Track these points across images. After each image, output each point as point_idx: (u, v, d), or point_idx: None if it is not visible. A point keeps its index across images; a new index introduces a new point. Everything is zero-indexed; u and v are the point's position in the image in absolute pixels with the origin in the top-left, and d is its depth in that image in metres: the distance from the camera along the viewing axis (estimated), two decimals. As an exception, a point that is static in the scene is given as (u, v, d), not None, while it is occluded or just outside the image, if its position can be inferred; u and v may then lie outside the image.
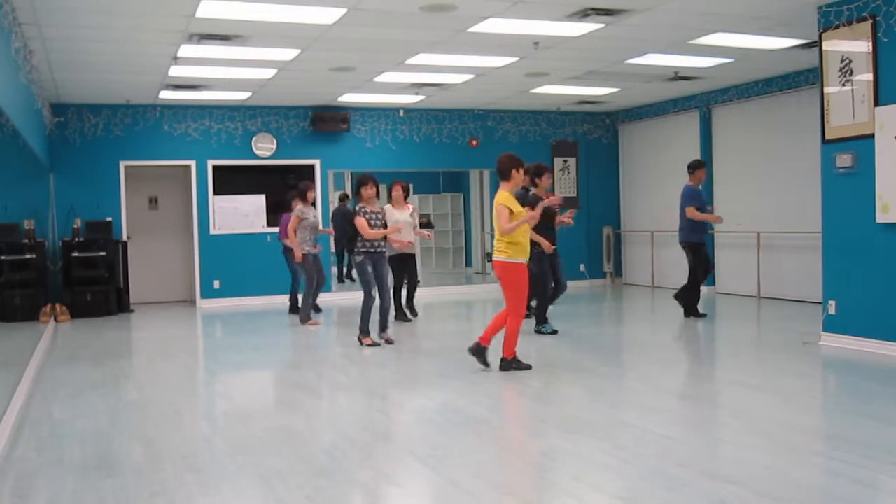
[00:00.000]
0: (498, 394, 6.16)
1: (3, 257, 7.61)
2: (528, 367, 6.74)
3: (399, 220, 9.43)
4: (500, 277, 6.74)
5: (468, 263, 17.62)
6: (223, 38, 8.26)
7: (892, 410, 5.36)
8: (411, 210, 9.91)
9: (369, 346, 8.18)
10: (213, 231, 12.81)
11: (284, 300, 11.67)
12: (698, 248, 9.67)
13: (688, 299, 9.81)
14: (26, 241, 8.46)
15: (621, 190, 14.99)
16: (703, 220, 9.65)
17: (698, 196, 9.64)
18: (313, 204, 10.38)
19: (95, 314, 11.47)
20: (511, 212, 6.59)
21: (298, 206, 10.12)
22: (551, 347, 8.10)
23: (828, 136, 7.59)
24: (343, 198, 14.96)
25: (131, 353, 8.95)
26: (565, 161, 14.54)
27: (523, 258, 6.67)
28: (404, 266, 10.03)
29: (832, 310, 7.63)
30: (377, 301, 8.26)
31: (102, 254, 11.63)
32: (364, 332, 8.30)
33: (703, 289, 12.81)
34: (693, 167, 9.78)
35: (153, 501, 3.89)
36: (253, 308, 12.26)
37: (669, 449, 4.51)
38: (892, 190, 6.94)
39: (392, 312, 9.04)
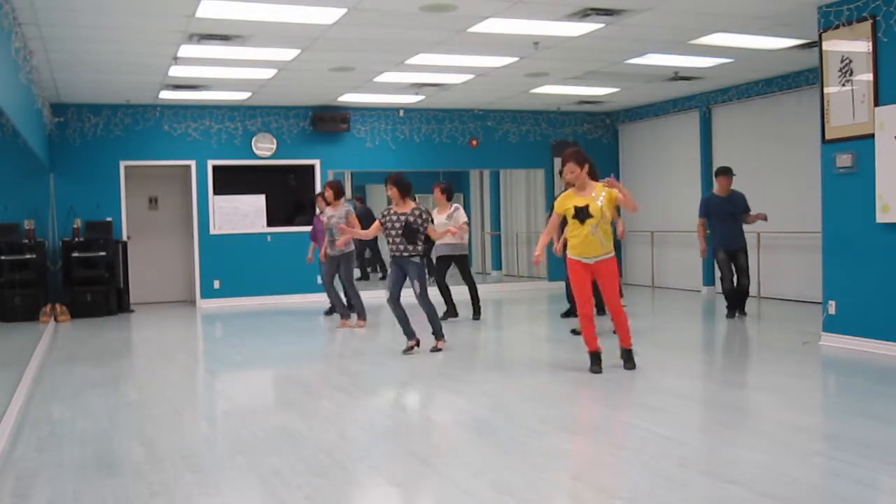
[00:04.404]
0: (498, 394, 6.15)
1: (3, 257, 7.62)
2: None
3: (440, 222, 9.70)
4: None
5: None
6: (223, 38, 8.26)
7: (892, 411, 5.36)
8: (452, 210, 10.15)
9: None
10: (213, 231, 12.81)
11: (286, 300, 11.66)
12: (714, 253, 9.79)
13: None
14: (26, 241, 8.47)
15: (621, 190, 14.97)
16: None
17: (703, 205, 9.75)
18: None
19: (95, 314, 11.48)
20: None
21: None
22: (551, 347, 8.10)
23: (828, 136, 7.59)
24: (360, 199, 15.18)
25: (131, 353, 8.95)
26: (565, 161, 14.52)
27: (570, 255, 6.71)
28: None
29: (832, 310, 7.63)
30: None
31: (102, 254, 11.63)
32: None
33: (703, 288, 12.89)
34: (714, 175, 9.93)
35: (153, 501, 3.89)
36: (253, 308, 12.26)
37: (669, 449, 4.50)
38: (892, 190, 6.94)
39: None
